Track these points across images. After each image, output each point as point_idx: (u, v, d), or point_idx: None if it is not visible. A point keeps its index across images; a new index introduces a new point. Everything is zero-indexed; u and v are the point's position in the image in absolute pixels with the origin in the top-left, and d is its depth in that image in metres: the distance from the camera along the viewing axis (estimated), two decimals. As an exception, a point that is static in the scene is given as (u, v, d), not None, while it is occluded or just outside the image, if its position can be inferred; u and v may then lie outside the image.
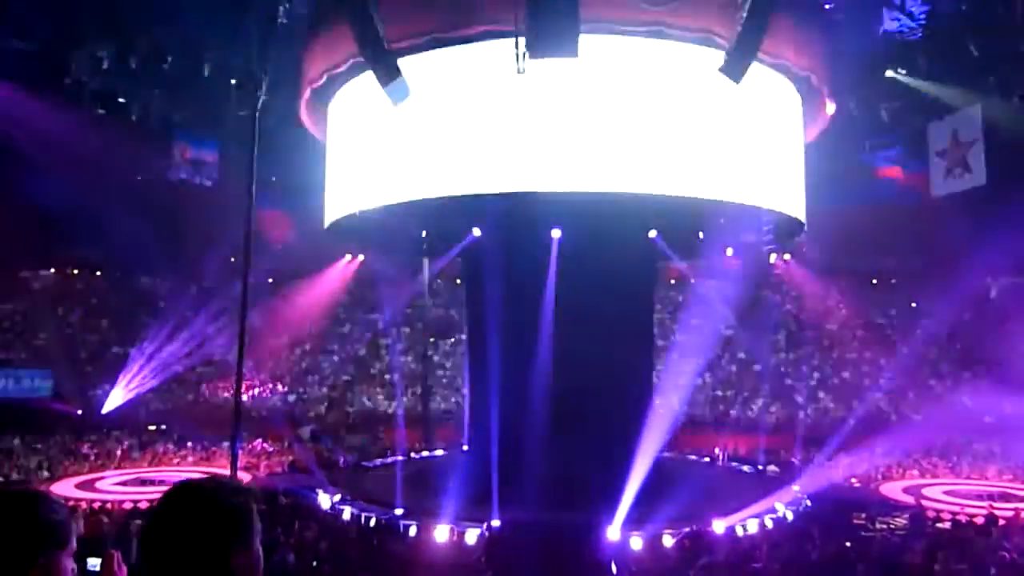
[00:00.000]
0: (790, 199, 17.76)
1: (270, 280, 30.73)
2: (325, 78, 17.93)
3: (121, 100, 23.30)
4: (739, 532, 14.61)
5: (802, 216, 18.36)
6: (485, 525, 14.72)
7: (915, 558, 11.23)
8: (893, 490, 20.30)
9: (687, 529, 14.30)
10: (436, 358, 31.81)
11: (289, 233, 28.28)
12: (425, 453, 24.99)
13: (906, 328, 30.03)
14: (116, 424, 26.49)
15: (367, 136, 17.49)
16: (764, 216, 17.35)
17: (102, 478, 21.39)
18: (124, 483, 20.54)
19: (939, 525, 15.51)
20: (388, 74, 15.06)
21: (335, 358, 33.04)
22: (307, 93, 18.96)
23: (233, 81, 22.58)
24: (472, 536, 14.24)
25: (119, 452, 23.90)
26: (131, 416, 27.32)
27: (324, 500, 17.43)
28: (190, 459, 23.94)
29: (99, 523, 14.24)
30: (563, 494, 15.23)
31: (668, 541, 13.82)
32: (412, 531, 14.70)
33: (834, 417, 27.30)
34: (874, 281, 33.53)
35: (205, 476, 1.80)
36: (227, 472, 19.46)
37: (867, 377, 28.70)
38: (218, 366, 29.54)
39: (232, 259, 27.11)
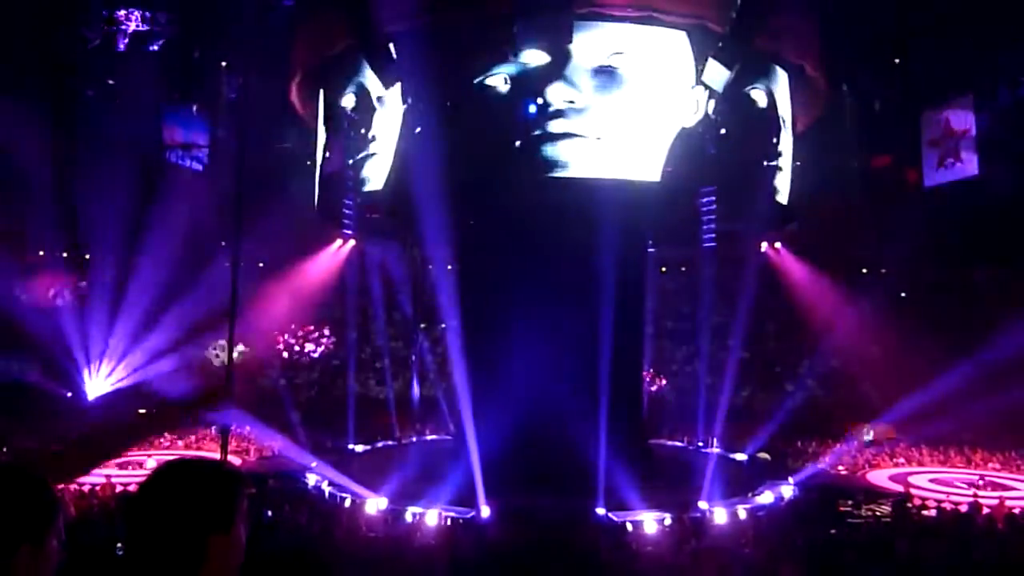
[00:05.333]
0: (779, 187, 17.76)
1: (260, 264, 30.59)
2: (318, 61, 17.84)
3: (111, 82, 23.10)
4: (727, 518, 14.70)
5: (791, 205, 18.37)
6: (473, 511, 14.78)
7: (901, 545, 11.33)
8: (879, 478, 20.45)
9: (676, 515, 14.40)
10: (427, 344, 31.79)
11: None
12: (415, 439, 25.06)
13: (894, 316, 30.12)
14: (105, 408, 26.42)
15: (357, 121, 17.39)
16: (754, 203, 17.34)
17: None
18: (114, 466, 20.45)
19: (924, 513, 15.65)
20: (382, 59, 15.01)
21: (325, 343, 32.99)
22: (299, 76, 18.86)
23: (223, 64, 22.44)
24: (459, 522, 14.29)
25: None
26: (120, 400, 27.25)
27: (313, 485, 17.44)
28: (180, 443, 23.89)
29: (88, 506, 14.25)
30: (553, 479, 15.32)
31: (656, 527, 13.90)
32: (402, 517, 14.72)
33: (822, 405, 27.44)
34: (864, 270, 33.63)
35: (194, 457, 1.80)
36: (217, 456, 19.46)
37: (855, 365, 28.81)
38: (209, 351, 29.47)
39: (223, 243, 27.00)
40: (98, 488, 16.67)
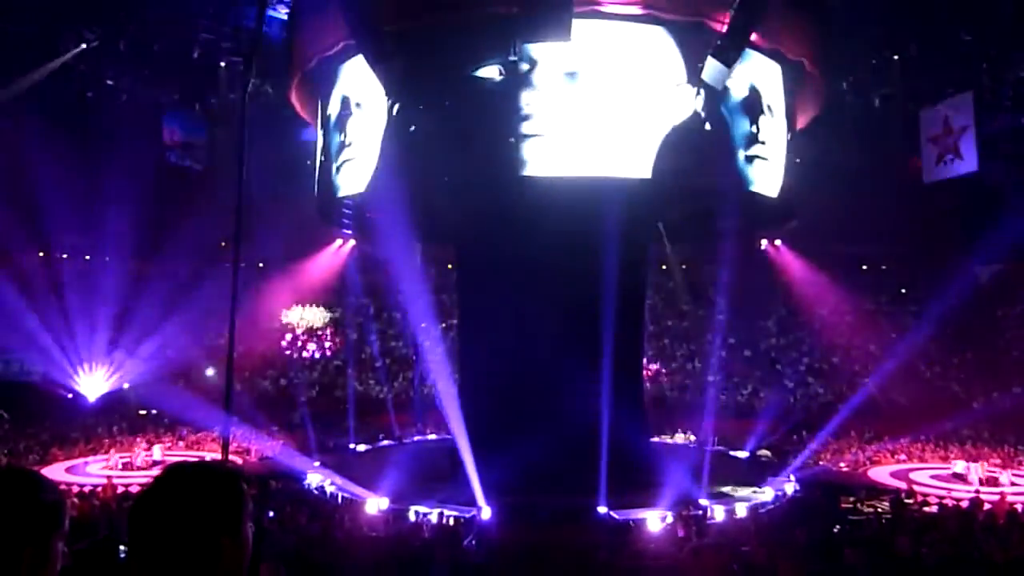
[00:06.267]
0: (773, 183, 17.71)
1: (260, 265, 30.64)
2: (316, 61, 17.84)
3: (110, 83, 23.07)
4: (728, 515, 14.72)
5: (788, 201, 18.34)
6: (475, 511, 14.79)
7: (902, 542, 11.35)
8: (881, 474, 20.46)
9: (677, 512, 14.42)
10: (427, 343, 31.79)
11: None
12: (416, 438, 25.10)
13: (896, 314, 30.18)
14: (106, 409, 26.44)
15: (358, 120, 17.39)
16: (751, 200, 17.31)
17: (92, 462, 21.35)
18: (114, 467, 20.44)
19: (926, 509, 15.67)
20: (380, 58, 15.02)
21: (326, 343, 33.03)
22: (298, 77, 18.87)
23: (223, 64, 22.45)
24: (462, 521, 14.30)
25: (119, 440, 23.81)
26: (121, 401, 27.30)
27: (314, 485, 17.45)
28: (181, 444, 23.91)
29: (90, 507, 14.25)
30: (552, 477, 15.35)
31: (658, 524, 13.92)
32: (404, 517, 14.73)
33: (824, 402, 27.46)
34: (864, 267, 33.67)
35: (197, 460, 1.80)
36: (218, 456, 19.45)
37: (857, 363, 28.85)
38: (209, 351, 29.49)
39: (223, 243, 26.98)
40: (99, 489, 16.69)
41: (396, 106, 15.65)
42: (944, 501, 16.32)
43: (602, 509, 14.71)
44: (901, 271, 32.54)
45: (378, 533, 13.23)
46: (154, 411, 26.36)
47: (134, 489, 16.68)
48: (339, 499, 16.40)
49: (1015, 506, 15.55)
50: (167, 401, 25.73)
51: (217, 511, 1.70)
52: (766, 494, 16.62)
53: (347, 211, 18.76)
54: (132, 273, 29.80)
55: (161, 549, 1.66)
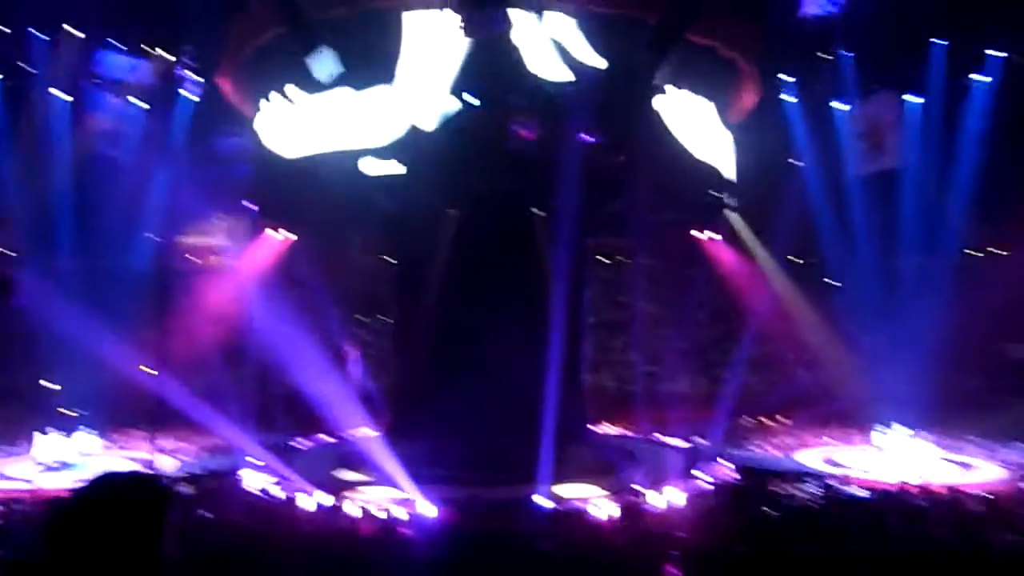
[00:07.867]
0: (707, 176, 18.10)
1: (192, 258, 29.91)
2: (250, 52, 17.56)
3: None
4: (664, 502, 14.97)
5: (720, 194, 18.79)
6: (415, 503, 14.75)
7: (829, 523, 11.74)
8: (812, 458, 21.05)
9: (614, 501, 14.62)
10: (364, 336, 31.52)
11: None
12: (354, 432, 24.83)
13: (823, 305, 30.97)
14: (27, 408, 25.39)
15: (293, 109, 17.19)
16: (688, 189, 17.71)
17: (10, 463, 20.55)
18: (40, 470, 19.73)
19: (853, 492, 16.21)
20: (310, 46, 14.94)
21: (262, 337, 32.42)
22: (232, 67, 18.54)
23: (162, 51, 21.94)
24: (403, 515, 14.24)
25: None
26: (45, 399, 26.28)
27: (251, 482, 17.17)
28: (110, 443, 23.21)
29: (7, 512, 13.78)
30: (491, 468, 15.42)
31: (596, 512, 14.08)
32: (343, 511, 14.61)
33: (756, 391, 28.09)
34: (800, 261, 34.47)
35: (116, 471, 1.77)
36: (149, 456, 19.05)
37: (789, 352, 29.56)
38: (139, 348, 28.69)
39: (157, 239, 26.36)
40: (26, 495, 16.17)
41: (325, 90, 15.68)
42: (873, 486, 16.85)
43: (540, 499, 14.77)
44: (832, 263, 33.34)
45: (318, 529, 13.11)
46: (85, 413, 25.35)
47: (63, 494, 16.18)
48: (278, 496, 16.15)
49: (939, 491, 16.15)
50: (97, 400, 24.93)
51: (133, 524, 1.69)
52: (701, 481, 16.96)
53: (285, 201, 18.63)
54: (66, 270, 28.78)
55: (76, 560, 1.65)
